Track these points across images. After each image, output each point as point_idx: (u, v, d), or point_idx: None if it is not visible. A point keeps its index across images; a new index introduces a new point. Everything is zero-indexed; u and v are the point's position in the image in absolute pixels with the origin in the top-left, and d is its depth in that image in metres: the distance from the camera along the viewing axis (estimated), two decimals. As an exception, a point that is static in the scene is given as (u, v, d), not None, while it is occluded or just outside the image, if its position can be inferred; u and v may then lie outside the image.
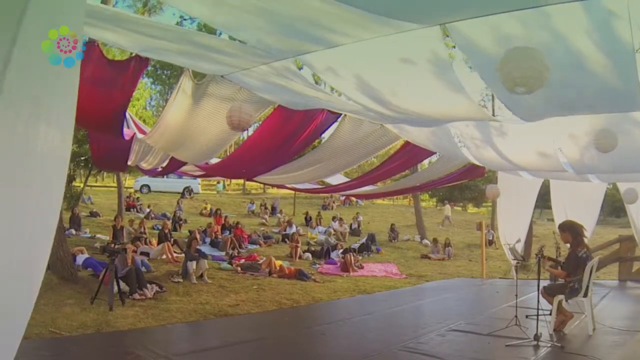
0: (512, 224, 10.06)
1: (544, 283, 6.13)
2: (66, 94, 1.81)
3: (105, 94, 4.46)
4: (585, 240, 5.58)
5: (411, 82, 3.57)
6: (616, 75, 2.91)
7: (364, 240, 16.47)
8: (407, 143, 6.65)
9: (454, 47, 3.03)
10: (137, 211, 19.35)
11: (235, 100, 4.80)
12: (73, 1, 1.77)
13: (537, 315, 5.06)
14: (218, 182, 31.56)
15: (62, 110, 1.81)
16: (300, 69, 4.24)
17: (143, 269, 8.35)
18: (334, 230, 17.27)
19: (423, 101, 3.99)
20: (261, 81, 4.09)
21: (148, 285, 7.31)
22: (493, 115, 19.97)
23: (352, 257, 12.01)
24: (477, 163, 7.05)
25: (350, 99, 4.25)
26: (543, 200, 13.24)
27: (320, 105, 5.03)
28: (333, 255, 13.58)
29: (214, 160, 8.36)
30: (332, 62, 3.41)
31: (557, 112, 4.15)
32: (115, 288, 6.46)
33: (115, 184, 20.93)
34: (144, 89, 23.78)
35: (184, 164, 7.70)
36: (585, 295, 5.37)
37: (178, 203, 20.63)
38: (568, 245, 5.54)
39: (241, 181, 32.63)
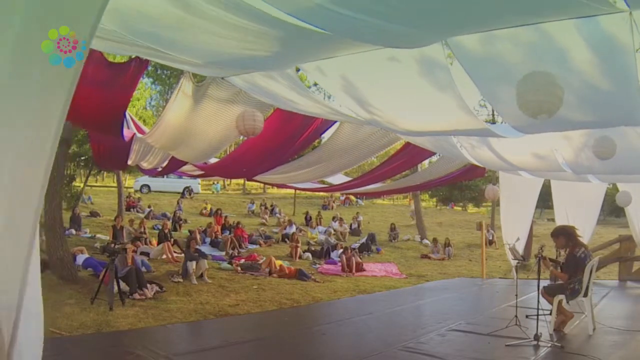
0: (514, 224, 10.06)
1: (544, 283, 6.13)
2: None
3: (105, 95, 4.46)
4: (582, 240, 5.59)
5: (400, 82, 3.56)
6: (613, 79, 2.90)
7: (364, 240, 16.48)
8: (407, 144, 6.66)
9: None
10: (137, 211, 19.35)
11: (235, 102, 4.81)
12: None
13: (537, 315, 5.06)
14: (213, 183, 31.48)
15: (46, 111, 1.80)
16: (298, 70, 4.23)
17: (143, 269, 8.35)
18: (334, 230, 17.27)
19: (414, 106, 3.98)
20: (255, 84, 4.09)
21: (148, 285, 7.32)
22: (493, 116, 19.85)
23: (354, 258, 11.94)
24: (476, 163, 7.06)
25: (342, 104, 4.26)
26: (543, 200, 13.23)
27: (314, 115, 5.03)
28: (333, 255, 13.58)
29: (214, 160, 8.37)
30: (321, 62, 3.42)
31: (554, 128, 4.15)
32: (115, 288, 6.46)
33: (115, 184, 20.92)
34: (144, 89, 23.75)
35: (184, 163, 7.71)
36: (586, 295, 5.38)
37: (178, 203, 20.63)
38: (565, 249, 5.56)
39: (241, 181, 32.61)
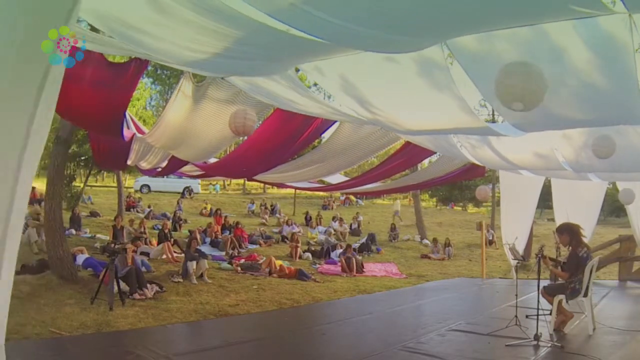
0: (514, 224, 10.06)
1: (544, 283, 6.13)
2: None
3: (105, 95, 4.46)
4: (584, 240, 5.59)
5: (399, 82, 3.55)
6: (613, 78, 2.90)
7: (364, 240, 16.47)
8: (407, 143, 6.66)
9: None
10: (137, 211, 19.35)
11: (234, 102, 4.80)
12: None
13: (537, 315, 5.06)
14: (211, 184, 31.44)
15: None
16: (298, 70, 4.23)
17: (143, 269, 8.34)
18: (334, 230, 17.27)
19: (414, 106, 3.97)
20: (255, 85, 4.09)
21: (148, 285, 7.31)
22: (493, 115, 19.84)
23: (355, 260, 11.88)
24: (476, 162, 7.06)
25: (342, 104, 4.26)
26: (543, 200, 13.23)
27: (314, 115, 5.03)
28: (333, 255, 13.57)
29: (214, 160, 8.37)
30: (320, 62, 3.42)
31: (554, 126, 4.14)
32: (115, 288, 6.46)
33: (115, 184, 20.92)
34: (144, 89, 23.77)
35: (184, 164, 7.71)
36: (586, 295, 5.38)
37: (178, 203, 20.63)
38: (568, 247, 5.55)
39: (241, 181, 32.60)
